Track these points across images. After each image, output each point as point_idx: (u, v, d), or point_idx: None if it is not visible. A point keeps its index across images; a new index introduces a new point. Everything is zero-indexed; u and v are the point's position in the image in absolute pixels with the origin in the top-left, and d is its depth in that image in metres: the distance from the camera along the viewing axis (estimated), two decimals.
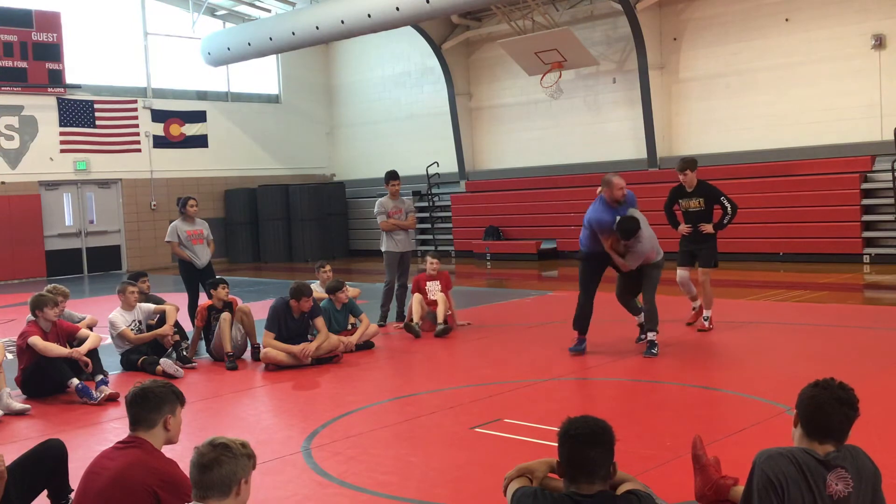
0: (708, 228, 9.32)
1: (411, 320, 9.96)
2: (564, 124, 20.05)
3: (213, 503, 3.05)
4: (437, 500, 4.72)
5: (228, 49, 21.39)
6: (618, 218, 8.08)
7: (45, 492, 4.43)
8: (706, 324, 9.47)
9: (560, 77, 18.12)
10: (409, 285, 10.84)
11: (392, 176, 11.03)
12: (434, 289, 10.26)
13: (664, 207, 9.70)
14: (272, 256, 23.06)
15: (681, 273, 9.51)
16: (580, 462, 3.08)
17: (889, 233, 15.29)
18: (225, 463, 3.05)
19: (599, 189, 8.40)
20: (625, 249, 8.19)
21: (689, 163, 9.30)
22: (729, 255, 15.20)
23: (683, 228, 9.43)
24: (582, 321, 8.51)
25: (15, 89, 19.53)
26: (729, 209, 9.25)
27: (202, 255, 10.56)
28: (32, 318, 7.71)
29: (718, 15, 17.52)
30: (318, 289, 9.93)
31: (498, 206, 20.55)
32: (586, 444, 3.07)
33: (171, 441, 3.79)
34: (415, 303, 10.06)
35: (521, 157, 20.97)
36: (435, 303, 10.16)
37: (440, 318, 9.95)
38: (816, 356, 7.90)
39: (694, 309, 9.73)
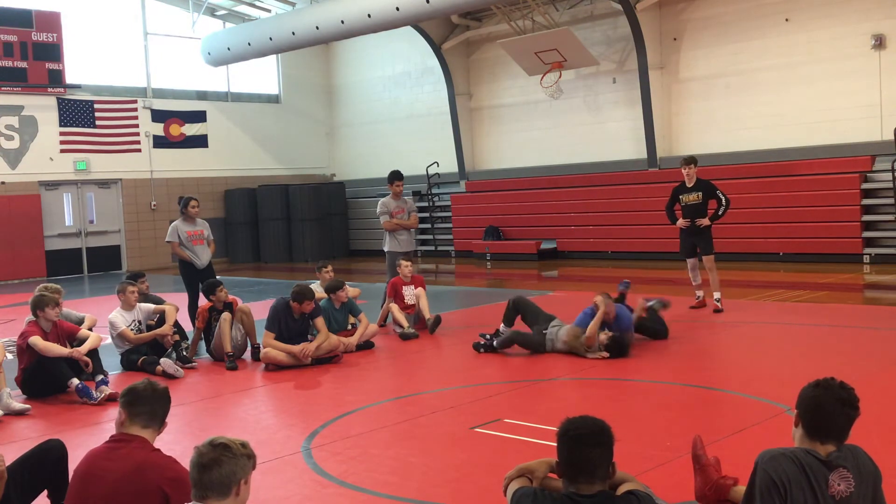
0: (705, 222, 10.61)
1: (401, 327, 9.95)
2: (564, 124, 20.04)
3: (212, 503, 3.05)
4: (437, 500, 4.72)
5: (228, 49, 21.39)
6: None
7: (45, 492, 4.43)
8: (718, 304, 10.54)
9: (560, 77, 18.11)
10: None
11: (396, 176, 11.03)
12: (410, 293, 10.27)
13: (665, 207, 10.94)
14: (272, 256, 23.05)
15: (689, 262, 10.89)
16: (580, 462, 3.08)
17: (889, 233, 15.29)
18: (225, 463, 3.05)
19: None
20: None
21: (693, 159, 10.75)
22: (729, 255, 15.22)
23: (682, 223, 10.74)
24: None
25: (15, 89, 19.52)
26: (723, 201, 10.53)
27: (202, 255, 10.56)
28: (33, 318, 7.71)
29: (718, 15, 17.52)
30: (318, 289, 9.92)
31: (498, 206, 20.55)
32: (586, 444, 3.07)
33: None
34: (396, 313, 9.98)
35: (521, 157, 20.97)
36: (413, 307, 10.21)
37: (426, 314, 10.09)
38: (816, 356, 7.91)
39: (697, 298, 10.91)
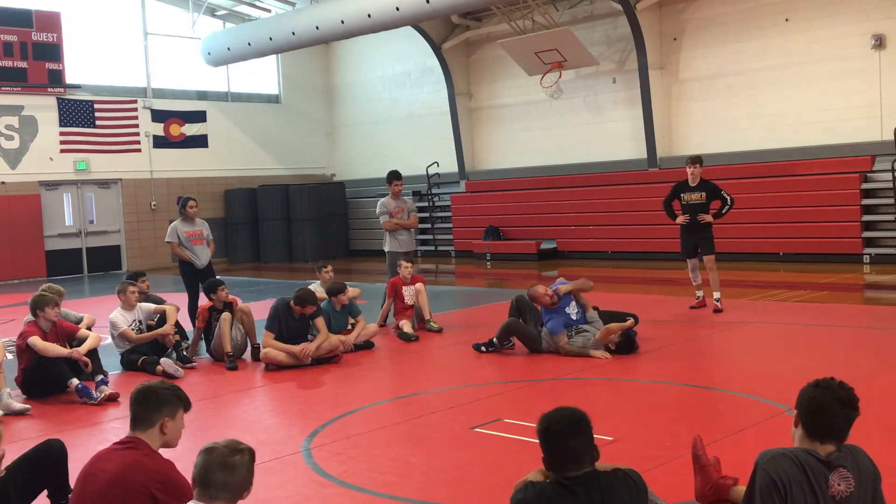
0: (708, 218, 10.47)
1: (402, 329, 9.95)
2: (564, 124, 20.04)
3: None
4: (437, 500, 4.72)
5: (228, 49, 21.39)
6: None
7: (44, 492, 4.43)
8: (718, 304, 10.44)
9: (560, 77, 18.11)
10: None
11: (395, 176, 11.03)
12: (410, 293, 10.26)
13: (664, 201, 10.84)
14: (272, 256, 23.05)
15: (690, 263, 10.76)
16: (565, 454, 3.16)
17: (889, 233, 15.29)
18: (248, 468, 3.11)
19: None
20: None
21: (698, 159, 10.62)
22: (729, 255, 15.22)
23: (681, 219, 10.62)
24: None
25: (15, 89, 19.52)
26: (729, 200, 10.47)
27: (202, 255, 10.55)
28: (32, 318, 7.71)
29: (718, 15, 17.52)
30: (318, 289, 9.91)
31: (498, 206, 20.55)
32: (567, 435, 3.15)
33: (168, 445, 3.75)
34: (404, 329, 9.93)
35: (521, 157, 20.96)
36: (412, 307, 10.20)
37: (425, 313, 10.11)
38: (816, 356, 7.90)
39: (698, 298, 10.78)
